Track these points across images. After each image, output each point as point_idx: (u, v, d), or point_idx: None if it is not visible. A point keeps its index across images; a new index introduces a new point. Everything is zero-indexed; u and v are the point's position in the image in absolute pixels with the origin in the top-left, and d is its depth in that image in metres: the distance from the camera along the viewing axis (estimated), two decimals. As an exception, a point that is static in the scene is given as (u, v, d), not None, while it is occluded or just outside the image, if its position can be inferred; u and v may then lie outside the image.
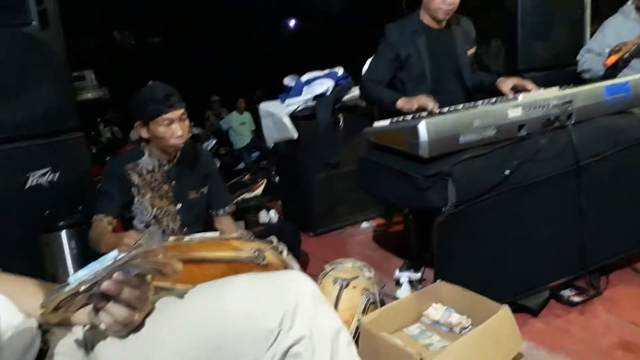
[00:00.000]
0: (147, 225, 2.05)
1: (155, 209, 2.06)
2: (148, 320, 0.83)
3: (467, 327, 1.75)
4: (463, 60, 2.61)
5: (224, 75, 11.96)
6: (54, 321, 0.79)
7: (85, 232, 2.09)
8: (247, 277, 0.86)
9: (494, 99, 2.16)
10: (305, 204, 3.29)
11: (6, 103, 2.14)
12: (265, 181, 4.64)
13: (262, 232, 2.18)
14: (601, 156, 2.01)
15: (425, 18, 2.55)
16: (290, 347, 0.81)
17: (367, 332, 1.67)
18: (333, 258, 2.16)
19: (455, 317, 1.78)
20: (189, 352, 0.81)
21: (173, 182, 2.09)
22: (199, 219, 2.19)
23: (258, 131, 8.07)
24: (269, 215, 3.66)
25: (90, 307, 0.79)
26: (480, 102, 2.17)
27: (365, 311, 1.87)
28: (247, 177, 5.56)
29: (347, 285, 1.93)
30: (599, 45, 3.11)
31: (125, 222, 2.09)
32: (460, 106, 2.12)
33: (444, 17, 2.50)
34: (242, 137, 8.54)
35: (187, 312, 0.84)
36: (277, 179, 4.63)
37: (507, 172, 1.81)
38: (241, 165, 7.83)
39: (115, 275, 0.74)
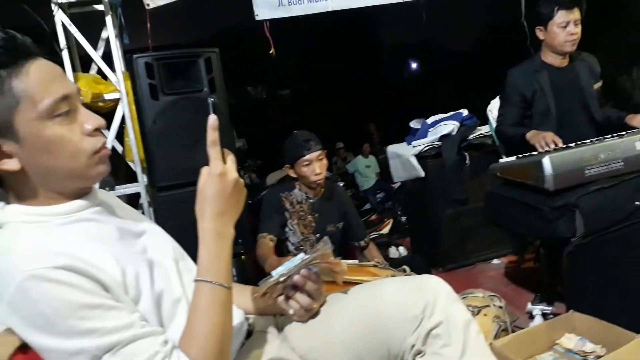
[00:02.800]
0: (297, 247, 2.39)
1: (301, 234, 2.39)
2: (322, 310, 1.11)
3: (602, 356, 1.77)
4: (590, 94, 2.63)
5: (348, 122, 12.56)
6: (261, 305, 1.09)
7: (243, 262, 2.48)
8: (396, 278, 1.09)
9: (623, 133, 2.18)
10: (434, 239, 3.42)
11: (185, 155, 2.62)
12: (391, 221, 4.85)
13: (394, 263, 2.38)
14: None
15: (548, 57, 2.64)
16: (431, 329, 1.02)
17: (499, 355, 1.77)
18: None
19: (589, 346, 1.81)
20: (353, 333, 1.06)
21: (316, 215, 2.42)
22: (333, 251, 2.47)
23: (382, 173, 8.35)
24: (399, 251, 3.84)
25: (282, 297, 1.08)
26: (609, 136, 2.19)
27: (496, 337, 1.97)
28: (373, 217, 5.83)
29: (478, 313, 2.05)
30: None
31: (279, 244, 2.42)
32: (588, 141, 2.17)
33: (572, 49, 2.55)
34: (367, 179, 8.87)
35: (352, 302, 1.10)
36: (403, 218, 4.82)
37: (637, 203, 1.84)
38: (367, 206, 8.11)
39: (302, 271, 1.03)
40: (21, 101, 0.80)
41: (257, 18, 3.51)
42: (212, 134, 0.90)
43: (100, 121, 0.90)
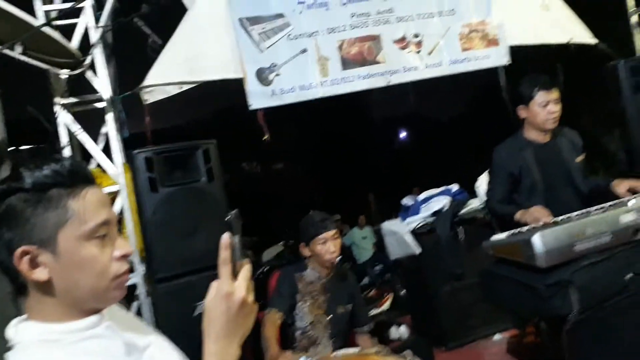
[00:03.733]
0: (304, 332, 2.37)
1: (312, 315, 2.39)
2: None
3: None
4: (574, 167, 2.73)
5: (344, 195, 12.70)
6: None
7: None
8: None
9: (607, 204, 2.25)
10: (434, 317, 3.41)
11: (183, 245, 2.67)
12: (391, 295, 4.81)
13: (396, 348, 2.37)
14: None
15: (530, 134, 2.76)
16: None
17: None
18: (468, 371, 2.26)
19: None
20: None
21: (328, 295, 2.44)
22: (342, 333, 2.47)
23: (379, 244, 8.35)
24: (399, 331, 3.78)
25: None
26: (593, 208, 2.26)
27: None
28: (373, 292, 5.77)
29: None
30: None
31: (284, 330, 2.40)
32: (575, 214, 2.24)
33: (554, 126, 2.67)
34: (364, 250, 8.87)
35: None
36: (403, 292, 4.77)
37: (628, 276, 1.87)
38: (366, 280, 8.02)
39: None
40: (70, 219, 0.89)
41: (250, 108, 3.68)
42: (224, 253, 0.90)
43: (129, 249, 0.97)
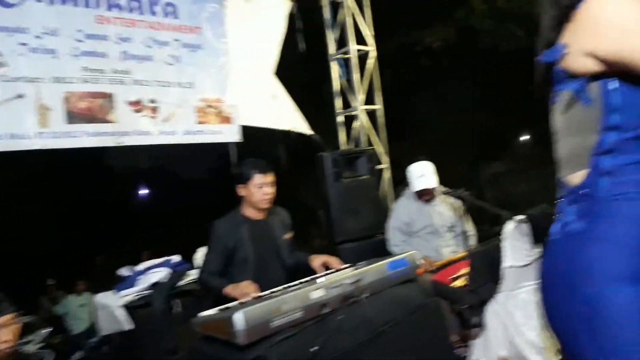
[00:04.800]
0: None
1: None
2: None
3: None
4: (282, 244, 3.03)
5: (61, 255, 11.30)
6: None
7: None
8: None
9: (303, 280, 2.54)
10: (143, 397, 3.21)
11: None
12: (105, 373, 4.38)
13: None
14: (393, 323, 2.42)
15: (247, 211, 2.97)
16: None
17: None
18: None
19: None
20: None
21: None
22: None
23: (99, 314, 7.59)
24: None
25: None
26: (292, 284, 2.51)
27: None
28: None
29: None
30: (397, 222, 3.82)
31: None
32: (277, 289, 2.44)
33: (267, 206, 2.95)
34: (80, 320, 7.92)
35: None
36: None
37: (313, 349, 2.10)
38: (78, 355, 7.11)
39: None
40: None
41: None
42: None
43: None
